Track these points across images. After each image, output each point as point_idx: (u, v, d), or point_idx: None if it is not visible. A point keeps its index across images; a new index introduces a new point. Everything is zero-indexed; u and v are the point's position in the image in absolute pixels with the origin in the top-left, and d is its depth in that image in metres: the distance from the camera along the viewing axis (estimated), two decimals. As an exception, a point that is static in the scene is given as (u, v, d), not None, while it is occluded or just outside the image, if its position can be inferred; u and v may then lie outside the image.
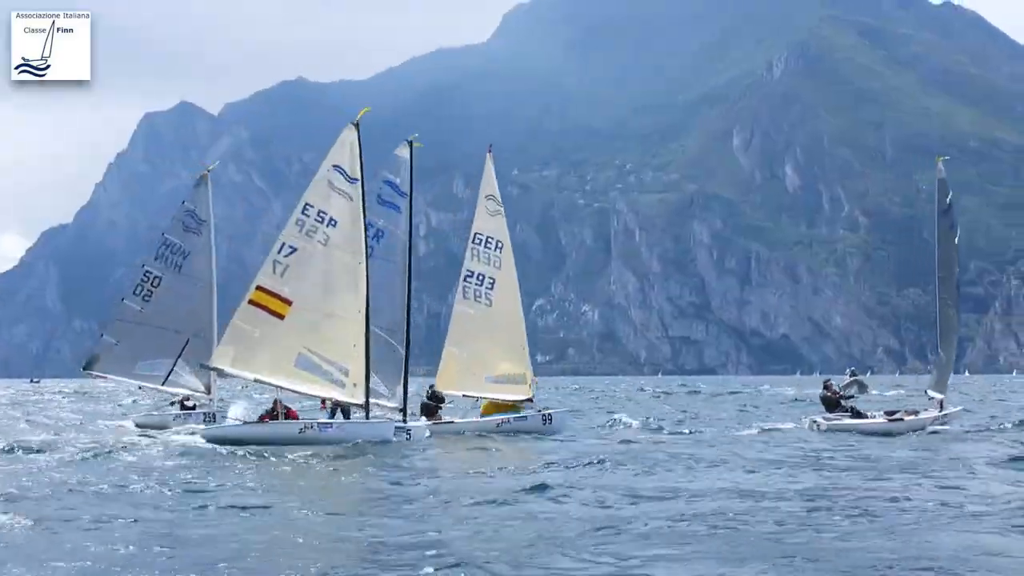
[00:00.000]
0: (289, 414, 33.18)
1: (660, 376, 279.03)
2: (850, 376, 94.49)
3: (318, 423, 32.69)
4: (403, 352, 36.29)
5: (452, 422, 37.98)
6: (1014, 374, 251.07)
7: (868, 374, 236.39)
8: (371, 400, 34.42)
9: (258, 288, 32.38)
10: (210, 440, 31.70)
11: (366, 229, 33.61)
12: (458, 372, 38.96)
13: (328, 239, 32.71)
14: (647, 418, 46.52)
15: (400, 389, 36.00)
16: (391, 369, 35.87)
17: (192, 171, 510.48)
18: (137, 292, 42.91)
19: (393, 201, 36.27)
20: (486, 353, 39.10)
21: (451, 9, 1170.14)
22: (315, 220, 32.66)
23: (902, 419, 37.83)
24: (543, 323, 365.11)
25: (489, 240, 40.31)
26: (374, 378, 34.46)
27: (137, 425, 42.55)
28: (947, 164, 40.72)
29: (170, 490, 20.34)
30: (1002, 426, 40.32)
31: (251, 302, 32.33)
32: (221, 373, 33.68)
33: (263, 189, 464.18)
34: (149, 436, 35.87)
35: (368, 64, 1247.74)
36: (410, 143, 36.92)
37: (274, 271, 32.44)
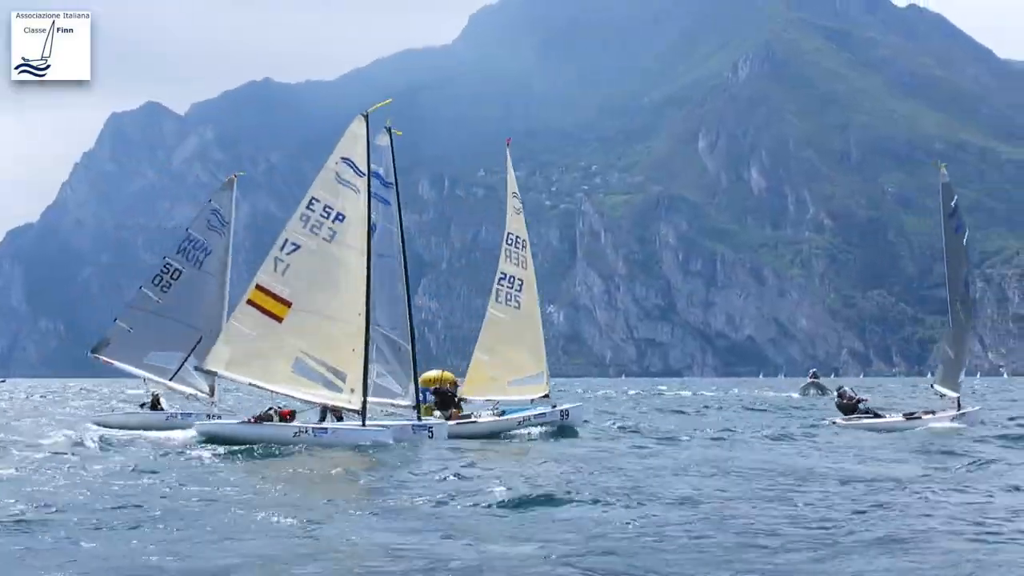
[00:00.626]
0: (283, 414, 31.98)
1: (624, 378, 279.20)
2: (811, 378, 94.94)
3: (313, 427, 31.37)
4: (410, 349, 35.11)
5: (474, 421, 37.24)
6: (978, 376, 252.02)
7: (832, 376, 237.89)
8: (386, 400, 34.30)
9: (257, 287, 31.25)
10: (203, 437, 31.27)
11: (370, 226, 32.62)
12: (484, 378, 38.66)
13: (334, 235, 31.75)
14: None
15: (412, 387, 34.89)
16: (401, 368, 34.84)
17: (159, 171, 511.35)
18: (156, 282, 42.17)
19: (382, 194, 34.98)
20: (513, 357, 39.01)
21: (418, 10, 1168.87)
22: (320, 215, 31.62)
23: (919, 418, 38.64)
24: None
25: (518, 239, 40.17)
26: (387, 378, 34.13)
27: (97, 424, 41.72)
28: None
29: (156, 494, 19.88)
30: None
31: (249, 302, 31.26)
32: (215, 376, 33.05)
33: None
34: (139, 434, 35.64)
35: (335, 65, 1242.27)
36: (389, 130, 35.49)
37: (275, 269, 31.39)
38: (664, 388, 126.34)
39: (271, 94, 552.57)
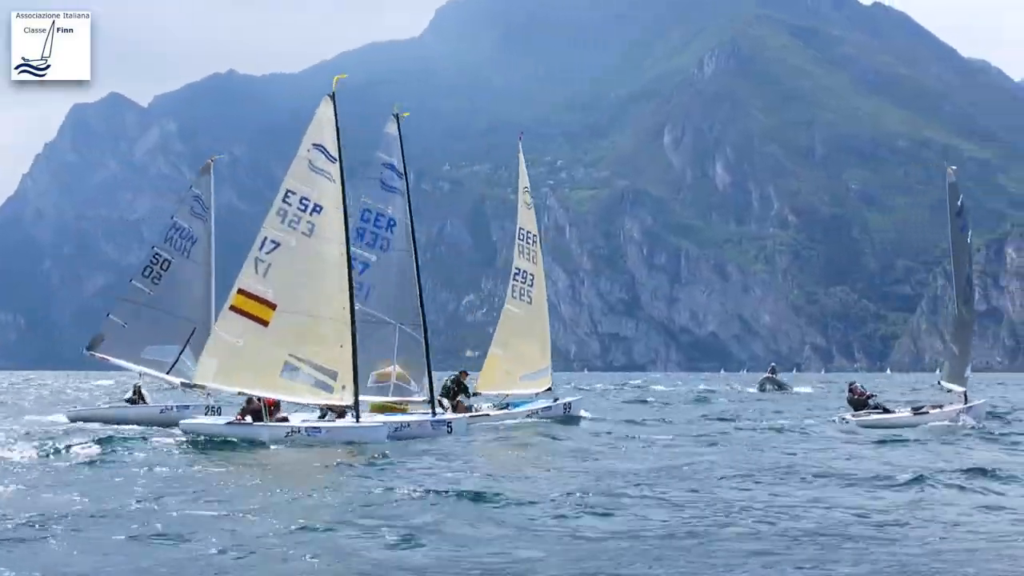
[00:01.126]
0: (267, 403, 30.57)
1: (586, 372, 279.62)
2: (769, 372, 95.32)
3: (306, 427, 30.15)
4: (423, 345, 34.66)
5: (487, 415, 37.55)
6: (937, 372, 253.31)
7: (793, 371, 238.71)
8: (403, 398, 34.04)
9: (239, 292, 29.90)
10: (190, 435, 30.40)
11: (346, 214, 31.39)
12: (500, 373, 39.30)
13: (313, 228, 30.26)
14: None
15: (427, 382, 34.49)
16: (416, 364, 34.44)
17: (121, 162, 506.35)
18: (146, 274, 41.51)
19: (395, 185, 34.28)
20: (525, 351, 39.99)
21: (386, 4, 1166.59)
22: (298, 208, 30.12)
23: (927, 412, 39.06)
24: (473, 318, 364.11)
25: (529, 234, 40.74)
26: (401, 373, 33.73)
27: (71, 419, 40.48)
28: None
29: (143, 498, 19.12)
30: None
31: (232, 308, 29.90)
32: (203, 390, 32.11)
33: (192, 181, 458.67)
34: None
35: (300, 58, 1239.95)
36: (396, 116, 34.80)
37: (256, 270, 29.90)
38: (639, 383, 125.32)
39: (235, 86, 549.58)
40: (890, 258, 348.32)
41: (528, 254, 40.43)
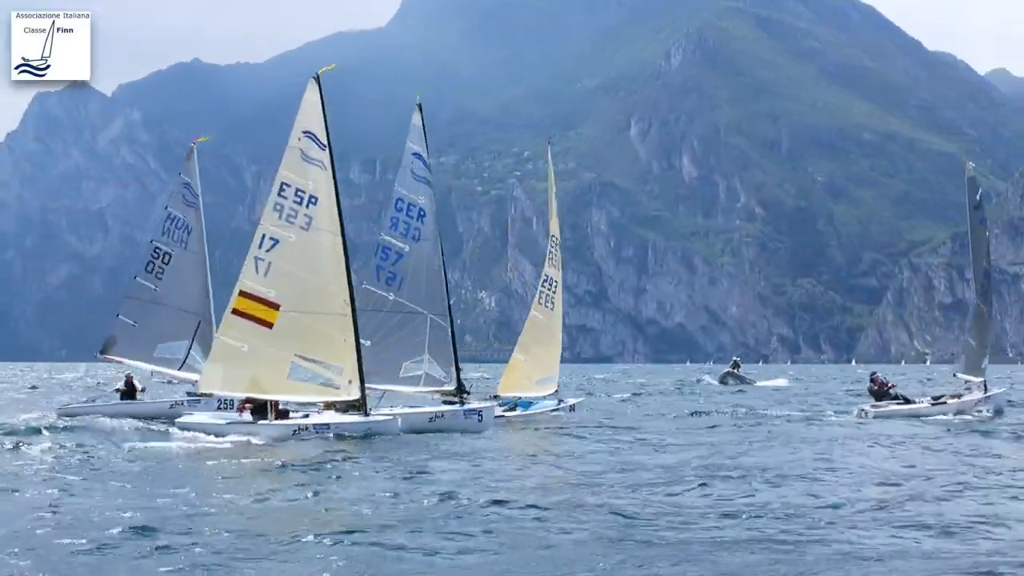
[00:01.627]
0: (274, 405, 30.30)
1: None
2: (731, 367, 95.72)
3: (314, 425, 29.60)
4: (450, 333, 34.74)
5: (504, 416, 38.06)
6: (903, 364, 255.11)
7: (760, 363, 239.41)
8: (434, 388, 34.08)
9: (241, 294, 29.36)
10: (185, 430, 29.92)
11: (339, 203, 30.93)
12: (521, 378, 40.14)
13: (310, 221, 29.84)
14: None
15: (454, 371, 34.43)
16: (444, 353, 34.31)
17: (84, 152, 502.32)
18: (149, 269, 41.12)
19: (425, 176, 34.45)
20: (543, 356, 40.83)
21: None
22: (294, 202, 29.68)
23: (946, 402, 40.05)
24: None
25: (558, 243, 41.70)
26: (431, 364, 33.69)
27: (62, 415, 38.82)
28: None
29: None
30: None
31: (235, 311, 29.38)
32: (211, 398, 31.67)
33: (157, 171, 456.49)
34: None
35: (265, 48, 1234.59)
36: (420, 107, 34.93)
37: (256, 270, 29.47)
38: (606, 376, 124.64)
39: (199, 76, 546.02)
40: (856, 250, 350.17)
41: (555, 261, 41.19)
